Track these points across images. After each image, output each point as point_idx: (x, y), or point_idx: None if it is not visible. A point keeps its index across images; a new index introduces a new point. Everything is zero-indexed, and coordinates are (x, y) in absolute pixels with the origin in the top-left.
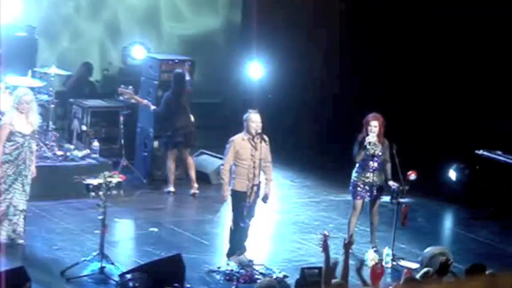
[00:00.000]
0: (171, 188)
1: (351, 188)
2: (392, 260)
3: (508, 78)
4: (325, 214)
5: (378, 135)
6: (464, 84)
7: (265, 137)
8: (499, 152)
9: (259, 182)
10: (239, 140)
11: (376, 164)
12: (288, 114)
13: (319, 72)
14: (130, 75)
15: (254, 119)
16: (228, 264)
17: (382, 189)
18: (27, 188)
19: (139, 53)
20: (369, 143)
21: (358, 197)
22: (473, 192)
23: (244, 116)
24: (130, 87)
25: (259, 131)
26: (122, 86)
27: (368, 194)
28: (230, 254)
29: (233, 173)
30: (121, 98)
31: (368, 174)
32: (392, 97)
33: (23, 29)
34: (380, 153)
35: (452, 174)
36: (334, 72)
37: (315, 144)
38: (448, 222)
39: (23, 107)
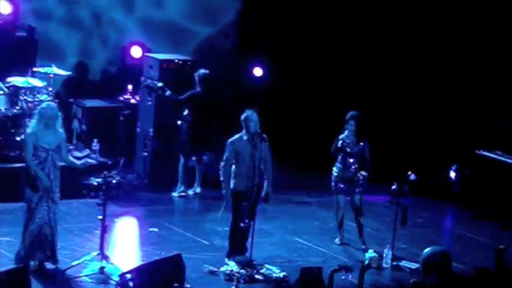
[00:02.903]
0: (183, 188)
1: (332, 184)
2: (392, 260)
3: (507, 78)
4: (325, 214)
5: (356, 134)
6: (464, 84)
7: (264, 135)
8: (499, 152)
9: (259, 182)
10: (239, 140)
11: (353, 160)
12: (288, 114)
13: (320, 72)
14: (130, 75)
15: (252, 118)
16: (227, 264)
17: (360, 183)
18: (54, 206)
19: (138, 53)
20: (343, 140)
21: (340, 192)
22: (474, 192)
23: (242, 116)
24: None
25: (258, 130)
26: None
27: (349, 188)
28: (230, 254)
29: (233, 173)
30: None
31: (347, 170)
32: (392, 97)
33: (23, 29)
34: (357, 150)
35: (452, 174)
36: (334, 71)
37: (315, 143)
38: (448, 222)
39: (49, 122)
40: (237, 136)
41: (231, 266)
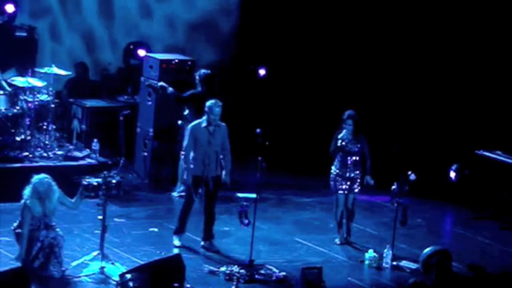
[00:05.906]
0: (183, 188)
1: (331, 183)
2: (392, 260)
3: (507, 77)
4: (325, 214)
5: (353, 133)
6: (464, 84)
7: (222, 124)
8: (499, 152)
9: (219, 171)
10: (197, 127)
11: (352, 159)
12: (288, 113)
13: (320, 72)
14: (130, 75)
15: (215, 112)
16: (175, 241)
17: (359, 183)
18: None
19: (138, 53)
20: (341, 139)
21: (339, 191)
22: (473, 192)
23: (207, 105)
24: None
25: (217, 123)
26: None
27: (347, 187)
28: (178, 231)
29: (191, 158)
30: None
31: (345, 169)
32: (392, 97)
33: (23, 29)
34: (356, 149)
35: (452, 174)
36: (334, 71)
37: (315, 143)
38: (448, 222)
39: (42, 196)
40: (196, 122)
41: (176, 243)
